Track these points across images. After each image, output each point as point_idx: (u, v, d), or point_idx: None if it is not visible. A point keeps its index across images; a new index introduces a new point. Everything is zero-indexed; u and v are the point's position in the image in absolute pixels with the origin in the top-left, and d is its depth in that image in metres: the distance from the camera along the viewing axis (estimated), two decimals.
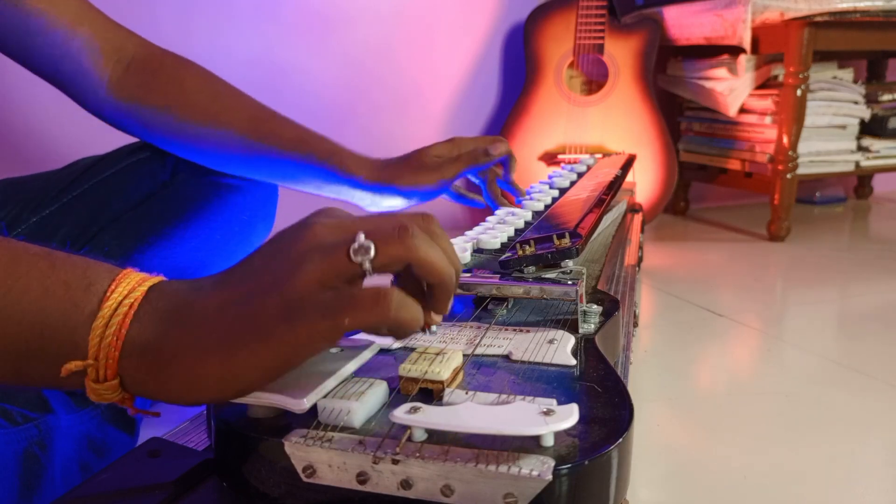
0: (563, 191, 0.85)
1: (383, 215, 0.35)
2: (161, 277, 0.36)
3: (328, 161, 0.72)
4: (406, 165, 0.74)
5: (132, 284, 0.34)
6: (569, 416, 0.33)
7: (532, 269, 0.53)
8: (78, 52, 0.68)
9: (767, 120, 1.52)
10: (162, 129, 0.72)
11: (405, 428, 0.34)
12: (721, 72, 1.55)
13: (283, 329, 0.32)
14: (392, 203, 0.76)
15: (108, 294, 0.34)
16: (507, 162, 0.78)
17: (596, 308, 0.50)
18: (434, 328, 0.37)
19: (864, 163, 1.65)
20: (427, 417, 0.33)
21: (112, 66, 0.70)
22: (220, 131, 0.71)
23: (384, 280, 0.35)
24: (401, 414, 0.33)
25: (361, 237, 0.33)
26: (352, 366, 0.38)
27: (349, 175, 0.73)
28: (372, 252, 0.32)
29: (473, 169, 0.75)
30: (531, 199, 0.78)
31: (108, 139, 0.79)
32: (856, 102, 1.61)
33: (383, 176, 0.74)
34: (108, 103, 0.71)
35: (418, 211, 0.37)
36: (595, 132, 1.55)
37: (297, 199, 0.80)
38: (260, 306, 0.32)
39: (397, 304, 0.32)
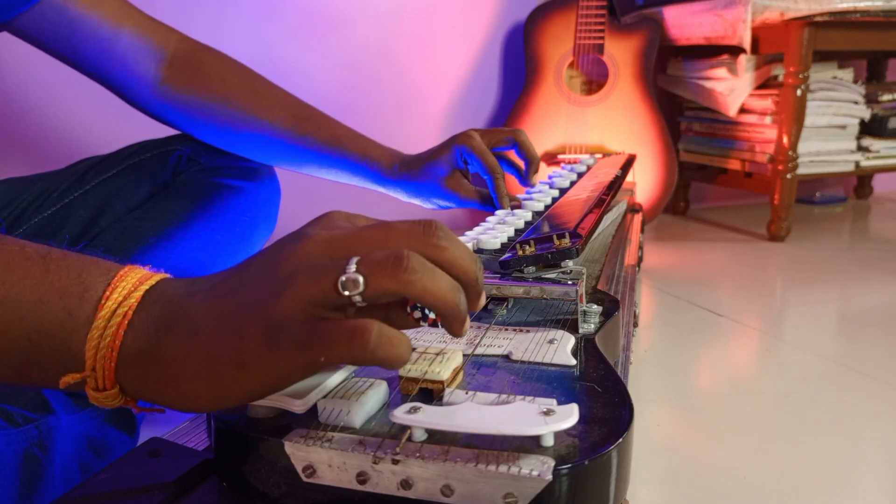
0: (563, 191, 0.85)
1: (382, 230, 0.33)
2: (162, 275, 0.36)
3: (362, 159, 0.79)
4: (432, 162, 0.80)
5: (128, 288, 0.34)
6: (569, 416, 0.33)
7: (532, 269, 0.53)
8: (124, 51, 0.71)
9: (767, 120, 1.52)
10: (207, 123, 0.76)
11: (405, 428, 0.34)
12: (721, 72, 1.55)
13: (263, 358, 0.31)
14: (413, 200, 0.82)
15: (102, 302, 0.33)
16: (527, 164, 0.82)
17: (596, 308, 0.50)
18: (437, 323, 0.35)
19: (864, 163, 1.65)
20: (427, 417, 0.33)
21: (156, 63, 0.73)
22: (262, 126, 0.76)
23: None
24: (401, 414, 0.33)
25: (352, 267, 0.30)
26: (352, 366, 0.38)
27: (378, 172, 0.80)
28: (361, 286, 0.30)
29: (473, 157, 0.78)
30: (531, 199, 0.78)
31: (110, 140, 0.79)
32: (856, 102, 1.61)
33: (408, 174, 0.80)
34: (155, 99, 0.74)
35: (424, 220, 0.34)
36: (595, 132, 1.55)
37: (298, 201, 0.80)
38: (242, 328, 0.31)
39: (375, 343, 0.30)
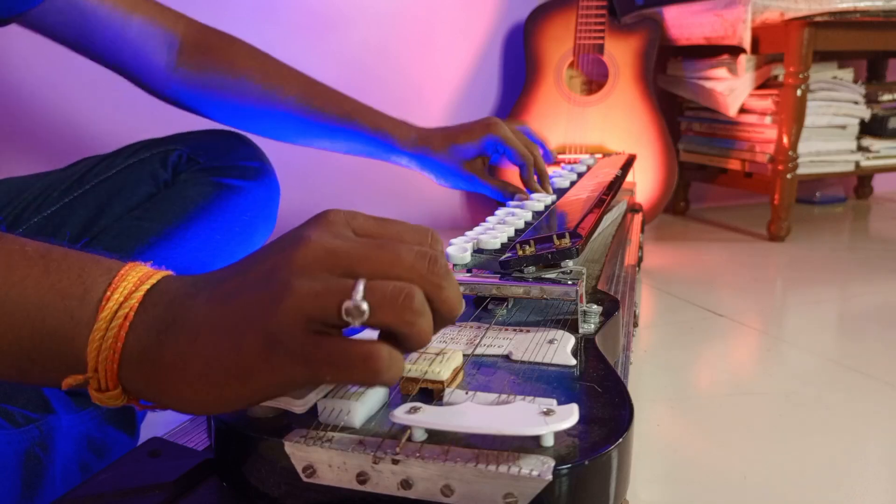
0: (563, 191, 0.85)
1: (388, 253, 0.32)
2: (164, 273, 0.36)
3: (376, 130, 0.81)
4: (451, 139, 0.84)
5: (129, 288, 0.34)
6: (569, 416, 0.33)
7: (532, 269, 0.53)
8: (135, 38, 0.72)
9: (767, 120, 1.52)
10: (221, 103, 0.77)
11: (405, 428, 0.34)
12: (721, 72, 1.55)
13: (262, 368, 0.31)
14: (425, 173, 0.86)
15: (103, 303, 0.33)
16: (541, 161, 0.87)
17: (596, 308, 0.50)
18: None
19: (864, 163, 1.65)
20: (427, 417, 0.33)
21: (168, 48, 0.74)
22: (274, 102, 0.78)
23: None
24: (401, 414, 0.33)
25: (359, 295, 0.29)
26: None
27: (394, 144, 0.82)
28: (365, 316, 0.29)
29: (491, 144, 0.83)
30: (531, 199, 0.78)
31: (110, 139, 0.79)
32: (856, 102, 1.61)
33: (424, 147, 0.83)
34: (170, 83, 0.76)
35: (425, 248, 0.33)
36: (595, 132, 1.55)
37: (298, 201, 0.80)
38: (242, 337, 0.31)
39: (387, 367, 0.30)
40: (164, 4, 0.76)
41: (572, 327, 0.49)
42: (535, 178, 0.84)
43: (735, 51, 1.52)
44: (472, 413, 0.33)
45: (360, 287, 0.30)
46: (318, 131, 0.80)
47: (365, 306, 0.29)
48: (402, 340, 0.31)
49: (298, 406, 0.35)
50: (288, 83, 0.78)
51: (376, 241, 0.33)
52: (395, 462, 0.32)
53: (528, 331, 0.48)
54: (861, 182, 2.05)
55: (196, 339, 0.32)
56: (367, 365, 0.29)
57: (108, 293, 0.33)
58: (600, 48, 1.54)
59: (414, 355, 0.40)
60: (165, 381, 0.32)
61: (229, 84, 0.76)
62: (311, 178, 0.83)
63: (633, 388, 0.54)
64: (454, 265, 0.56)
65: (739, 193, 1.94)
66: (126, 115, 0.78)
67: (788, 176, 1.49)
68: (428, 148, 0.82)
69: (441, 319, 0.33)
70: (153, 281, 0.35)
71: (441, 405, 0.36)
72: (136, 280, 0.34)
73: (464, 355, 0.43)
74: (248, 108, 0.77)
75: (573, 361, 0.43)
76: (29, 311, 0.33)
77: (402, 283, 0.31)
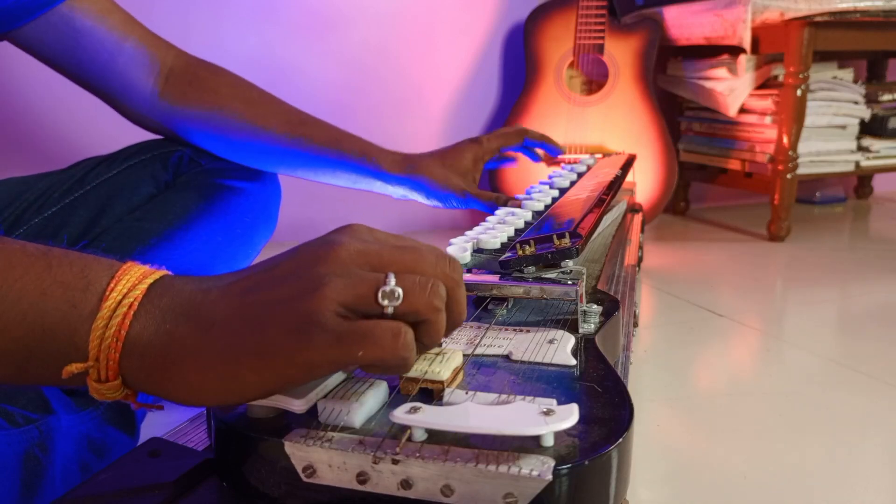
0: (563, 191, 0.85)
1: (413, 253, 0.35)
2: (164, 272, 0.36)
3: (361, 157, 0.80)
4: (439, 160, 0.83)
5: (133, 281, 0.34)
6: (569, 416, 0.33)
7: (532, 269, 0.53)
8: (125, 65, 0.72)
9: (767, 120, 1.52)
10: (202, 133, 0.77)
11: (405, 428, 0.34)
12: (721, 72, 1.55)
13: (290, 349, 0.31)
14: (417, 197, 0.84)
15: (107, 293, 0.33)
16: (544, 145, 0.96)
17: (596, 308, 0.50)
18: None
19: (864, 163, 1.65)
20: (427, 417, 0.33)
21: (155, 78, 0.75)
22: (256, 133, 0.77)
23: None
24: (401, 414, 0.33)
25: (393, 281, 0.32)
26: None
27: (381, 169, 0.80)
28: (399, 299, 0.32)
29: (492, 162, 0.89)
30: (531, 199, 0.78)
31: (111, 140, 0.80)
32: (856, 102, 1.61)
33: (414, 169, 0.81)
34: (153, 113, 0.76)
35: (444, 252, 0.36)
36: (595, 132, 1.55)
37: (299, 202, 0.80)
38: (270, 320, 0.32)
39: (410, 346, 0.32)
40: (156, 34, 0.76)
41: (572, 327, 0.49)
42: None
43: (735, 51, 1.52)
44: (472, 413, 0.33)
45: (392, 275, 0.33)
46: (302, 159, 0.79)
47: (400, 291, 0.32)
48: (422, 331, 0.34)
49: (298, 406, 0.35)
50: (269, 113, 0.78)
51: (401, 245, 0.35)
52: (395, 462, 0.32)
53: (528, 331, 0.48)
54: (861, 182, 2.05)
55: (211, 327, 0.32)
56: (396, 340, 0.31)
57: (112, 284, 0.34)
58: (600, 48, 1.55)
59: None
60: (170, 370, 0.32)
61: (209, 114, 0.76)
62: (311, 181, 0.83)
63: (633, 388, 0.54)
64: None
65: (739, 193, 1.95)
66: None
67: (788, 176, 1.49)
68: (423, 174, 0.82)
69: (450, 321, 0.35)
70: (156, 276, 0.35)
71: (441, 405, 0.36)
72: (139, 274, 0.34)
73: (464, 355, 0.43)
74: (228, 137, 0.77)
75: (573, 361, 0.43)
76: (30, 304, 0.33)
77: (427, 276, 0.34)
